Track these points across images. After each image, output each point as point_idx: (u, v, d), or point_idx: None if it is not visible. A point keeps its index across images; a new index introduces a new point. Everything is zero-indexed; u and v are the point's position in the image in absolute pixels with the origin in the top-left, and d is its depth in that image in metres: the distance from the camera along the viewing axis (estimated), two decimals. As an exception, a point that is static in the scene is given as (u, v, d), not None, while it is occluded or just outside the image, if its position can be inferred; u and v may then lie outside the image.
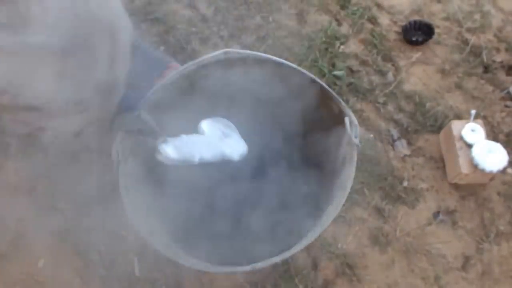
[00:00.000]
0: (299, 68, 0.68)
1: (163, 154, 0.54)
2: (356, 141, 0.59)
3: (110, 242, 0.92)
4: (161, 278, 0.88)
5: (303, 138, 0.78)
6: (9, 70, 0.25)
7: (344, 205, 0.94)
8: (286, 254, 0.50)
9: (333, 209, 0.54)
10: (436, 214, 0.95)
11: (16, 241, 0.93)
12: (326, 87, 0.66)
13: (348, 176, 0.56)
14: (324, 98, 0.67)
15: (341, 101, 0.63)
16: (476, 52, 1.14)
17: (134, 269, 0.89)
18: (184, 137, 0.58)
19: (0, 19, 0.23)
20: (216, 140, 0.62)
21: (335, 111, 0.66)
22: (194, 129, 0.67)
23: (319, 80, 0.67)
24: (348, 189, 0.55)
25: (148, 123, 0.49)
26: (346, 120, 0.62)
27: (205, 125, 0.64)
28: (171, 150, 0.55)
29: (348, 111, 0.62)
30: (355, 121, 0.61)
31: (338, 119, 0.66)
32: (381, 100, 1.08)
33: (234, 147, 0.64)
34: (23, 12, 0.23)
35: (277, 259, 0.50)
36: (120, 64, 0.30)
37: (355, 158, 0.58)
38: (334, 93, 0.64)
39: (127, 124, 0.46)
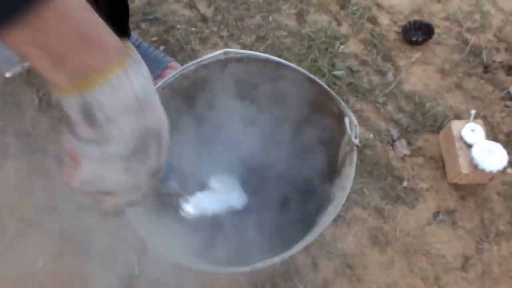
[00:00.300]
0: (298, 68, 0.68)
1: (185, 211, 0.66)
2: (356, 141, 0.59)
3: (110, 242, 0.92)
4: (161, 278, 0.88)
5: (303, 138, 0.78)
6: (93, 170, 0.37)
7: (344, 205, 0.94)
8: (286, 255, 0.50)
9: (333, 209, 0.54)
10: (435, 214, 0.95)
11: (15, 241, 0.93)
12: (326, 87, 0.66)
13: (347, 176, 0.56)
14: (323, 98, 0.67)
15: (341, 101, 0.63)
16: (476, 52, 1.15)
17: (134, 269, 0.89)
18: (199, 194, 0.70)
19: (90, 137, 0.35)
20: (224, 196, 0.75)
21: (335, 111, 0.66)
22: (202, 177, 0.76)
23: (318, 80, 0.67)
24: (348, 189, 0.55)
25: (176, 188, 0.58)
26: (346, 120, 0.62)
27: (214, 181, 0.77)
28: (191, 208, 0.67)
29: (348, 111, 0.62)
30: (355, 121, 0.61)
31: (338, 119, 0.66)
32: (381, 100, 1.08)
33: (238, 199, 0.77)
34: (106, 133, 0.34)
35: (276, 259, 0.50)
36: (163, 153, 0.40)
37: (355, 158, 0.58)
38: (333, 93, 0.64)
39: (159, 190, 0.54)
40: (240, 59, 0.70)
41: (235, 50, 0.67)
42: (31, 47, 0.31)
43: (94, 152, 0.35)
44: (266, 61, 0.69)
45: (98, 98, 0.33)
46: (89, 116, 0.33)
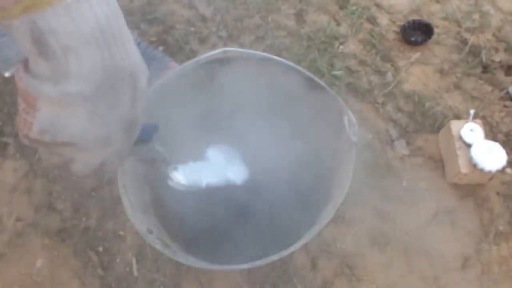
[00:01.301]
0: (297, 66, 0.68)
1: (174, 180, 0.59)
2: (355, 139, 0.59)
3: (109, 242, 0.92)
4: (159, 278, 0.88)
5: (301, 136, 0.78)
6: (52, 115, 0.32)
7: (343, 205, 0.95)
8: (284, 253, 0.50)
9: (332, 207, 0.54)
10: (435, 214, 0.95)
11: (14, 241, 0.93)
12: (325, 85, 0.66)
13: (346, 174, 0.56)
14: (322, 96, 0.67)
15: (340, 99, 0.63)
16: (475, 52, 1.14)
17: (133, 269, 0.89)
18: (192, 164, 0.64)
19: (45, 73, 0.30)
20: (221, 167, 0.69)
21: (334, 110, 0.66)
22: (198, 147, 0.70)
23: (317, 79, 0.67)
24: (347, 187, 0.55)
25: (161, 153, 0.53)
26: (345, 118, 0.62)
27: (211, 152, 0.69)
28: (181, 177, 0.61)
29: (346, 109, 0.62)
30: (353, 119, 0.61)
31: (336, 118, 0.66)
32: (380, 100, 1.08)
33: (237, 173, 0.70)
34: (64, 67, 0.30)
35: (275, 257, 0.50)
36: (139, 103, 0.36)
37: (353, 156, 0.58)
38: (332, 92, 0.64)
39: (142, 153, 0.50)
40: (239, 58, 0.70)
41: (234, 49, 0.67)
42: None
43: (51, 91, 0.30)
44: (265, 59, 0.69)
45: (50, 22, 0.28)
46: (41, 45, 0.29)
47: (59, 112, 0.32)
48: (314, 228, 0.53)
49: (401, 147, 1.02)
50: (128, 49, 0.33)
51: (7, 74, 1.12)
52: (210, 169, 0.68)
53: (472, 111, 0.96)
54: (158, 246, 0.53)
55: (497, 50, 1.15)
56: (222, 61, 0.72)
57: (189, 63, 0.68)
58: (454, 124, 0.96)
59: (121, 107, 0.35)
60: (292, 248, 0.50)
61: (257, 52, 0.68)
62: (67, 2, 0.28)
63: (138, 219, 0.56)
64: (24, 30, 0.29)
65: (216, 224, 0.79)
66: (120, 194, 0.57)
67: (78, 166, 0.38)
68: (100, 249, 0.91)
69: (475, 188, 0.97)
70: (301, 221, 0.67)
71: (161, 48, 1.15)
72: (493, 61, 1.13)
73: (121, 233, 0.93)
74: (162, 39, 1.17)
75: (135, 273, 0.89)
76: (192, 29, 1.19)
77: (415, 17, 1.20)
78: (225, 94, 0.75)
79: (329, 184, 0.64)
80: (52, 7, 0.28)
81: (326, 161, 0.70)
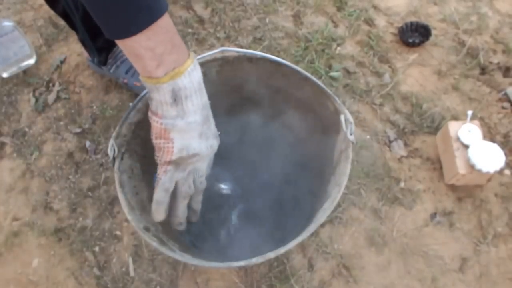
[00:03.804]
0: (294, 66, 0.68)
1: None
2: (352, 138, 0.59)
3: (105, 242, 0.92)
4: (156, 278, 0.87)
5: (298, 135, 0.78)
6: (182, 139, 0.53)
7: (340, 205, 0.94)
8: (281, 250, 0.50)
9: (328, 205, 0.53)
10: (433, 215, 0.95)
11: (10, 241, 0.93)
12: (322, 85, 0.65)
13: (343, 173, 0.56)
14: (319, 96, 0.67)
15: (336, 98, 0.63)
16: (472, 53, 1.15)
17: (129, 269, 0.89)
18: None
19: (173, 113, 0.51)
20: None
21: (331, 109, 0.66)
22: None
23: (314, 79, 0.67)
24: (343, 186, 0.54)
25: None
26: (342, 117, 0.61)
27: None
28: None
29: (343, 108, 0.62)
30: (350, 118, 0.61)
31: (333, 117, 0.66)
32: (377, 101, 1.08)
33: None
34: (185, 108, 0.51)
35: (271, 254, 0.49)
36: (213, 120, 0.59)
37: (350, 155, 0.58)
38: (329, 91, 0.64)
39: None
40: (237, 58, 0.70)
41: (232, 49, 0.67)
42: (145, 50, 0.46)
43: (180, 123, 0.51)
44: (263, 59, 0.69)
45: (182, 83, 0.49)
46: (175, 97, 0.50)
47: (185, 136, 0.53)
48: (311, 226, 0.52)
49: (398, 148, 1.02)
50: (204, 90, 0.54)
51: (4, 75, 1.12)
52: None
53: (470, 112, 0.96)
54: (155, 244, 0.53)
55: (495, 51, 1.15)
56: (220, 61, 0.72)
57: None
58: (452, 125, 0.96)
59: (212, 124, 0.57)
60: (289, 246, 0.50)
61: (255, 52, 0.68)
62: (190, 69, 0.50)
63: (136, 217, 0.56)
64: (168, 89, 0.49)
65: (213, 222, 0.78)
66: (117, 192, 0.57)
67: (201, 171, 0.59)
68: (97, 249, 0.91)
69: (473, 190, 0.96)
70: (298, 221, 0.67)
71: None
72: (491, 62, 1.13)
73: (118, 233, 0.92)
74: (161, 40, 1.17)
75: (132, 273, 0.88)
76: (190, 30, 1.20)
77: (413, 19, 1.20)
78: (221, 94, 0.75)
79: (326, 183, 0.64)
80: (184, 74, 0.49)
81: (323, 160, 0.70)
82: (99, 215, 0.95)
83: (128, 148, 0.63)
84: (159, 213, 0.58)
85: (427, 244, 0.91)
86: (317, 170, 0.72)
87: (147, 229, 0.56)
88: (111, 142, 0.59)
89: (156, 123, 0.52)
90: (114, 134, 0.61)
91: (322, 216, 0.52)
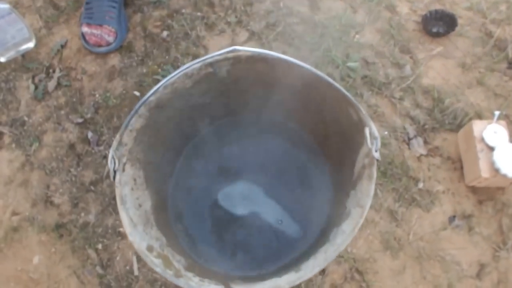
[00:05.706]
0: (313, 69, 0.61)
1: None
2: (377, 155, 0.52)
3: (108, 239, 0.88)
4: (160, 278, 0.84)
5: (316, 144, 0.72)
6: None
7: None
8: (294, 278, 0.45)
9: (348, 227, 0.48)
10: (451, 219, 0.90)
11: (10, 237, 0.89)
12: (345, 92, 0.59)
13: (366, 194, 0.50)
14: (341, 103, 0.61)
15: (361, 108, 0.57)
16: (500, 46, 1.07)
17: (133, 268, 0.86)
18: None
19: None
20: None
21: (354, 118, 0.59)
22: None
23: (337, 84, 0.60)
24: (367, 208, 0.49)
25: None
26: (366, 131, 0.55)
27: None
28: None
29: (368, 120, 0.56)
30: (376, 132, 0.54)
31: (356, 128, 0.59)
32: (397, 95, 1.02)
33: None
34: None
35: (282, 281, 0.45)
36: None
37: (374, 175, 0.52)
38: (353, 99, 0.58)
39: None
40: (249, 58, 0.64)
41: (244, 48, 0.61)
42: None
43: None
44: (278, 60, 0.62)
45: None
46: None
47: None
48: (330, 250, 0.48)
49: (418, 146, 0.97)
50: None
51: (2, 59, 1.06)
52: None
53: (497, 113, 0.90)
54: (159, 269, 0.48)
55: (524, 44, 1.08)
56: (230, 60, 0.65)
57: (195, 62, 0.62)
58: (476, 125, 0.90)
59: None
60: (304, 277, 0.45)
61: (269, 51, 0.61)
62: None
63: (138, 235, 0.51)
64: None
65: (221, 236, 0.73)
66: (119, 209, 0.52)
67: None
68: (99, 246, 0.88)
69: (494, 192, 0.92)
70: (313, 235, 0.62)
71: (165, 33, 1.09)
72: (519, 56, 1.06)
73: (121, 230, 0.89)
74: (167, 24, 1.10)
75: (136, 272, 0.85)
76: (199, 13, 1.12)
77: (438, 6, 1.12)
78: (232, 95, 0.69)
79: (345, 196, 0.59)
80: None
81: (342, 172, 0.64)
82: (102, 210, 0.91)
83: (130, 158, 0.58)
84: None
85: (444, 248, 0.87)
86: (335, 183, 0.66)
87: (150, 248, 0.52)
88: (111, 153, 0.53)
89: None
90: (114, 144, 0.56)
91: (344, 240, 0.47)
